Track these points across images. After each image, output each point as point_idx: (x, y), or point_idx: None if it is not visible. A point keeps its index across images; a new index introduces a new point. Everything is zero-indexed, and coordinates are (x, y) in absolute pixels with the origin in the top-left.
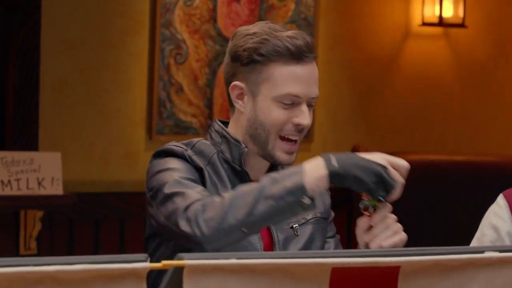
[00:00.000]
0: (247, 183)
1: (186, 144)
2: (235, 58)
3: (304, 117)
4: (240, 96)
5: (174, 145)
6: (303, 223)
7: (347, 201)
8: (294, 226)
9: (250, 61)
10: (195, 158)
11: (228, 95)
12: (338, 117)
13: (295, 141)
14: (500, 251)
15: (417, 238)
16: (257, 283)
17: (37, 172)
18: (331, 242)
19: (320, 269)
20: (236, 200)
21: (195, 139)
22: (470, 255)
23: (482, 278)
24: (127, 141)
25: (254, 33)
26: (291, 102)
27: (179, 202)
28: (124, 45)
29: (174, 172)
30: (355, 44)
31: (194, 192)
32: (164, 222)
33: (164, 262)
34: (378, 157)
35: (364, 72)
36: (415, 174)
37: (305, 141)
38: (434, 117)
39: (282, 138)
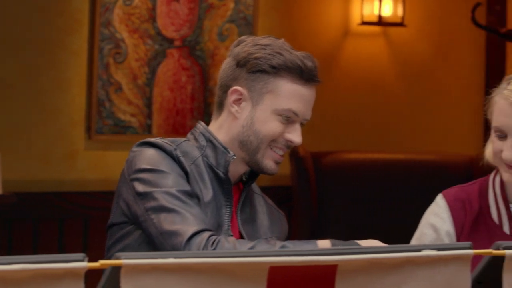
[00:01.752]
0: (228, 189)
1: (172, 143)
2: (242, 63)
3: (297, 135)
4: (238, 102)
5: (163, 141)
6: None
7: (287, 201)
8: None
9: (259, 70)
10: (182, 159)
11: (220, 97)
12: None
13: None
14: (438, 250)
15: (357, 236)
16: (194, 282)
17: None
18: None
19: (257, 268)
20: None
21: (179, 139)
22: (408, 253)
23: (420, 276)
24: (67, 141)
25: (267, 45)
26: (288, 118)
27: (179, 227)
28: (63, 44)
29: (169, 179)
30: (294, 43)
31: (193, 216)
32: (153, 232)
33: (102, 261)
34: (375, 244)
35: None
36: (355, 173)
37: None
38: (374, 115)
39: (272, 149)
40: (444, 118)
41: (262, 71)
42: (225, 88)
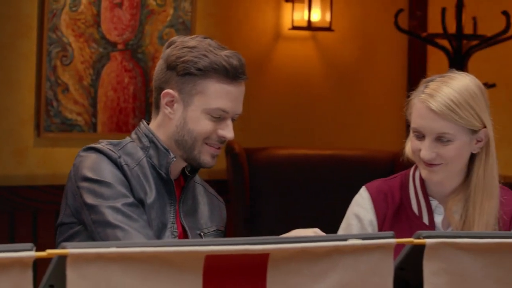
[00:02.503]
0: (171, 188)
1: (116, 145)
2: (172, 67)
3: (228, 130)
4: (171, 103)
5: (108, 148)
6: (206, 233)
7: (223, 193)
8: (201, 233)
9: (187, 73)
10: (126, 168)
11: (155, 98)
12: None
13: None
14: (363, 239)
15: (287, 228)
16: (136, 270)
17: None
18: None
19: (194, 257)
20: None
21: (124, 141)
22: (335, 242)
23: (346, 263)
24: (17, 138)
25: (194, 47)
26: (219, 116)
27: None
28: (13, 47)
29: (114, 191)
30: (230, 46)
31: (136, 232)
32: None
33: (49, 250)
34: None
35: None
36: (286, 168)
37: None
38: (303, 114)
39: (207, 144)
40: (368, 117)
41: (190, 74)
42: (159, 90)
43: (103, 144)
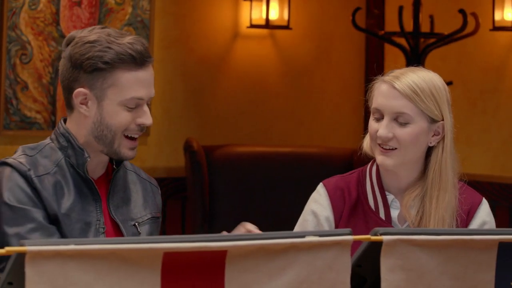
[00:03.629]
0: (92, 186)
1: (33, 149)
2: (78, 65)
3: (147, 117)
4: (84, 101)
5: (20, 161)
6: (141, 223)
7: (182, 190)
8: (136, 224)
9: (94, 69)
10: (36, 181)
11: (66, 98)
12: (172, 113)
13: (136, 138)
14: (320, 236)
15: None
16: (94, 268)
17: None
18: None
19: (152, 254)
20: None
21: (43, 142)
22: (292, 239)
23: (303, 260)
24: None
25: (95, 41)
26: (135, 105)
27: None
28: None
29: (24, 219)
30: (187, 44)
31: None
32: None
33: (8, 248)
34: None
35: (196, 71)
36: (245, 165)
37: (141, 135)
38: (261, 112)
39: (126, 137)
40: (326, 114)
41: (98, 69)
42: (69, 90)
43: (17, 155)
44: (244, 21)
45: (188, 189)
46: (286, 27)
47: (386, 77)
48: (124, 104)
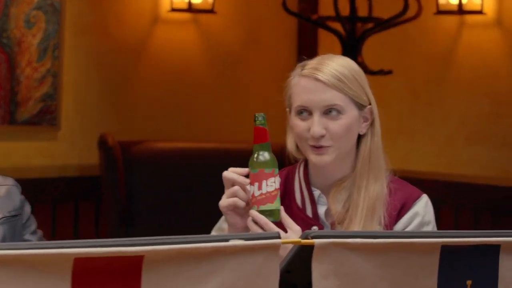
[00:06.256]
0: None
1: None
2: None
3: None
4: None
5: None
6: None
7: (96, 190)
8: None
9: None
10: None
11: None
12: (85, 105)
13: None
14: (245, 239)
15: (165, 227)
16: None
17: None
18: (33, 239)
19: (61, 259)
20: None
21: None
22: (215, 243)
23: (228, 266)
24: None
25: None
26: None
27: None
28: None
29: None
30: (103, 30)
31: None
32: None
33: None
34: None
35: (112, 59)
36: (165, 163)
37: (52, 129)
38: (183, 104)
39: None
40: (255, 106)
41: None
42: None
43: None
44: (165, 4)
45: (103, 189)
46: (211, 11)
47: (305, 71)
48: None
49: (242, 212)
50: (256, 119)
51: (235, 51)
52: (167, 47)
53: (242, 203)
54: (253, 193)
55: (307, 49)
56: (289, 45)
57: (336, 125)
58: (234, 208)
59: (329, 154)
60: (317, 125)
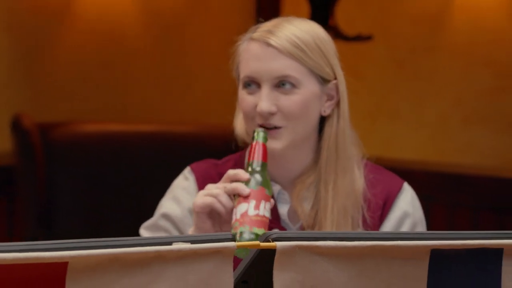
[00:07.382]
0: None
1: None
2: None
3: None
4: None
5: None
6: None
7: (8, 183)
8: None
9: None
10: None
11: None
12: None
13: None
14: (192, 242)
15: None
16: None
17: None
18: None
19: None
20: None
21: None
22: (156, 247)
23: (171, 274)
24: None
25: None
26: None
27: None
28: None
29: None
30: None
31: None
32: None
33: None
34: None
35: (27, 24)
36: (94, 148)
37: None
38: (116, 79)
39: None
40: (202, 82)
41: None
42: None
43: None
44: None
45: (17, 181)
46: None
47: (255, 34)
48: None
49: (218, 219)
50: (258, 135)
51: (179, 14)
52: (95, 8)
53: (222, 209)
54: (246, 210)
55: (267, 12)
56: (245, 7)
57: (289, 101)
58: (210, 211)
59: (280, 138)
60: (265, 99)
